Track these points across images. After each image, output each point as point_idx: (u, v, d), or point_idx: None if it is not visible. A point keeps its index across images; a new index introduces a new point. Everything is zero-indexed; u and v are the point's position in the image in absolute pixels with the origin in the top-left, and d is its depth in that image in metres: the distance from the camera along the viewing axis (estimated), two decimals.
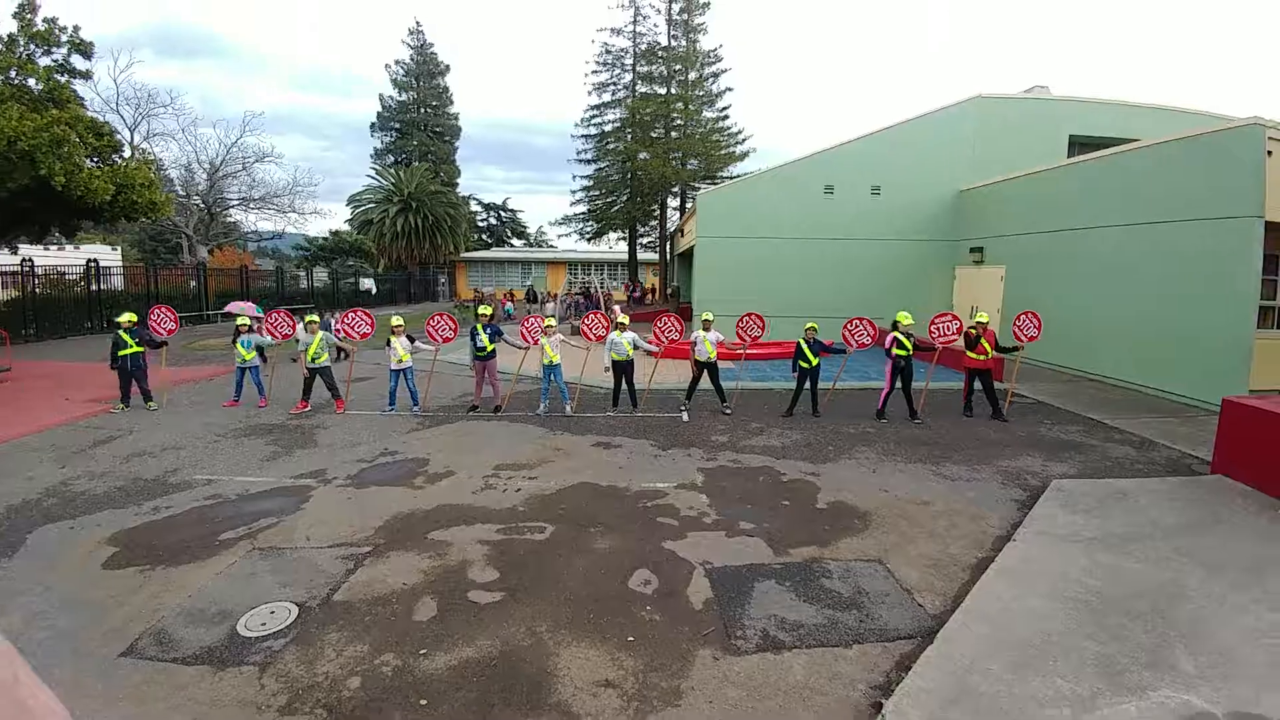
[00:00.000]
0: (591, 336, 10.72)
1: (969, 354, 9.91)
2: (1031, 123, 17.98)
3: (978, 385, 9.93)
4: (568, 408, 10.08)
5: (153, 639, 4.03)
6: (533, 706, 3.44)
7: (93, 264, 21.85)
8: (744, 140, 31.29)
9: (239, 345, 10.57)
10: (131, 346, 10.05)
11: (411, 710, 3.41)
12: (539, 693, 3.55)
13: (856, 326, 10.44)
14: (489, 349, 10.10)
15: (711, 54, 30.69)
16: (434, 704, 3.46)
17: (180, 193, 30.41)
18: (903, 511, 6.13)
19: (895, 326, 9.62)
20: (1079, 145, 17.53)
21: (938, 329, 10.23)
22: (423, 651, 3.91)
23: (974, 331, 9.82)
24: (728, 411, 10.10)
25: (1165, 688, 3.44)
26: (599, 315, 10.92)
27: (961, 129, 18.19)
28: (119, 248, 45.45)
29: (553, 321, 10.20)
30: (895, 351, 9.56)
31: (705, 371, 10.10)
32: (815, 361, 9.79)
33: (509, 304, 30.53)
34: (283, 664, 3.79)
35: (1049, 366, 14.08)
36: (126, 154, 19.79)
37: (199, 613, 4.34)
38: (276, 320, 10.65)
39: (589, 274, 41.89)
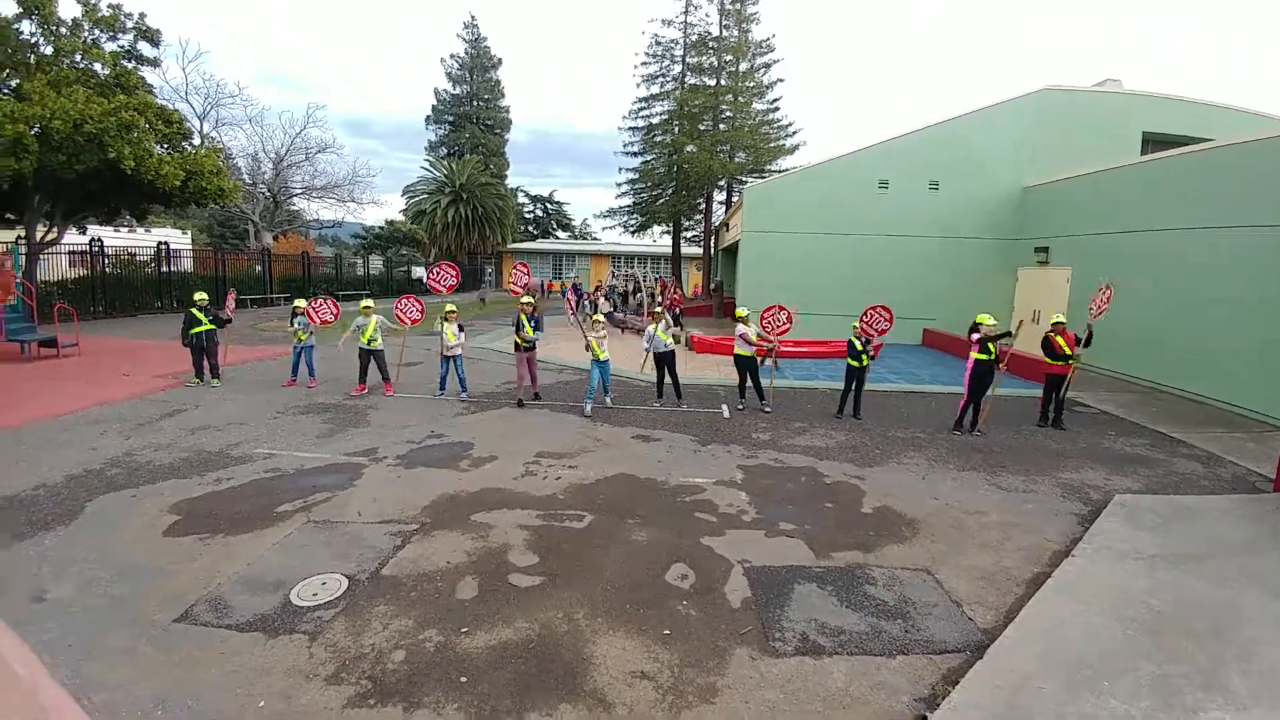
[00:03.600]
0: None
1: (1049, 360, 9.31)
2: (1102, 118, 17.10)
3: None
4: (608, 399, 10.10)
5: (208, 605, 4.21)
6: (569, 691, 3.46)
7: (163, 246, 23.02)
8: (794, 133, 30.79)
9: (297, 325, 10.96)
10: (205, 324, 10.55)
11: (452, 686, 3.47)
12: (575, 679, 3.57)
13: (874, 315, 9.85)
14: (534, 340, 10.15)
15: (763, 44, 30.17)
16: (473, 681, 3.51)
17: (247, 180, 31.70)
18: (954, 521, 5.92)
19: (975, 329, 8.92)
20: (1153, 143, 16.59)
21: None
22: (464, 630, 3.98)
23: (1050, 334, 9.27)
24: (767, 410, 9.95)
25: (1216, 709, 3.32)
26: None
27: (1026, 123, 17.43)
28: (189, 232, 47.72)
29: (600, 318, 10.21)
30: (975, 356, 8.82)
31: (746, 369, 9.94)
32: (866, 361, 9.53)
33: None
34: (332, 634, 3.91)
35: (1116, 375, 13.40)
36: (196, 142, 20.63)
37: (254, 581, 4.51)
38: (320, 306, 11.19)
39: (632, 266, 41.86)
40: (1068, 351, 9.18)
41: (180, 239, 40.85)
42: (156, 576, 4.56)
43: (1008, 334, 9.09)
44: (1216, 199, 11.33)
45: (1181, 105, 17.07)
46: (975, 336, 8.91)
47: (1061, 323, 9.36)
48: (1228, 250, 11.03)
